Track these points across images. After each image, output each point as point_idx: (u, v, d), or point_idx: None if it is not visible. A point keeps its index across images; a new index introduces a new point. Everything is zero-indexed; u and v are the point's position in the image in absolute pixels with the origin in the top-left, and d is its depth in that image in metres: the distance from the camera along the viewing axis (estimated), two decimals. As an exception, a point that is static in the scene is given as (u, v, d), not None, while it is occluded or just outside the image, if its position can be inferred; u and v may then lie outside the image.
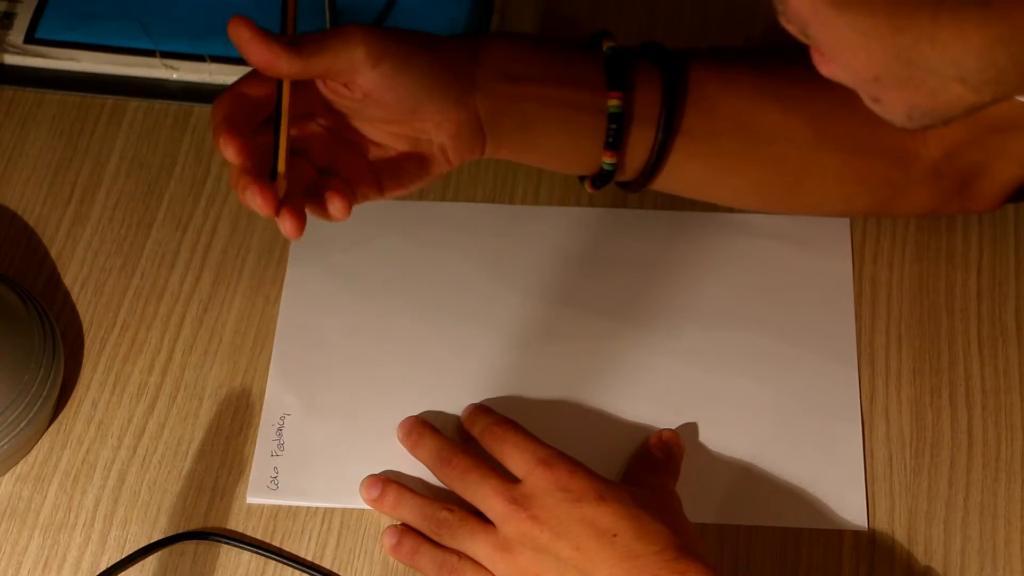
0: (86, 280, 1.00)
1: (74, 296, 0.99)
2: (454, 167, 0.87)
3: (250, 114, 0.82)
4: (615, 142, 0.89)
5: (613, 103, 0.89)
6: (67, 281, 0.99)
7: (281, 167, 0.80)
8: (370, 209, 1.02)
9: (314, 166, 0.84)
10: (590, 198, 1.02)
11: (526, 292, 0.98)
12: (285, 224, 0.80)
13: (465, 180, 1.04)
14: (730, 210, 1.01)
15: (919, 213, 0.99)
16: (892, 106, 0.70)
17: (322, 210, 0.83)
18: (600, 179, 0.92)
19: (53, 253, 1.01)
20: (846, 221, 1.01)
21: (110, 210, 1.03)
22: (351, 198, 0.83)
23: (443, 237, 1.01)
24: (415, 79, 0.83)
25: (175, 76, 1.09)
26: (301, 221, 0.80)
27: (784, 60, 0.92)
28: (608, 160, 0.90)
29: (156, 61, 1.09)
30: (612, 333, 0.97)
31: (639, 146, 0.90)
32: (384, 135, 0.86)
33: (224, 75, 1.08)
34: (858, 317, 0.97)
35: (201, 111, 1.08)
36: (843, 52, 0.68)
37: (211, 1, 1.11)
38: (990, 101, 0.68)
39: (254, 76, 0.83)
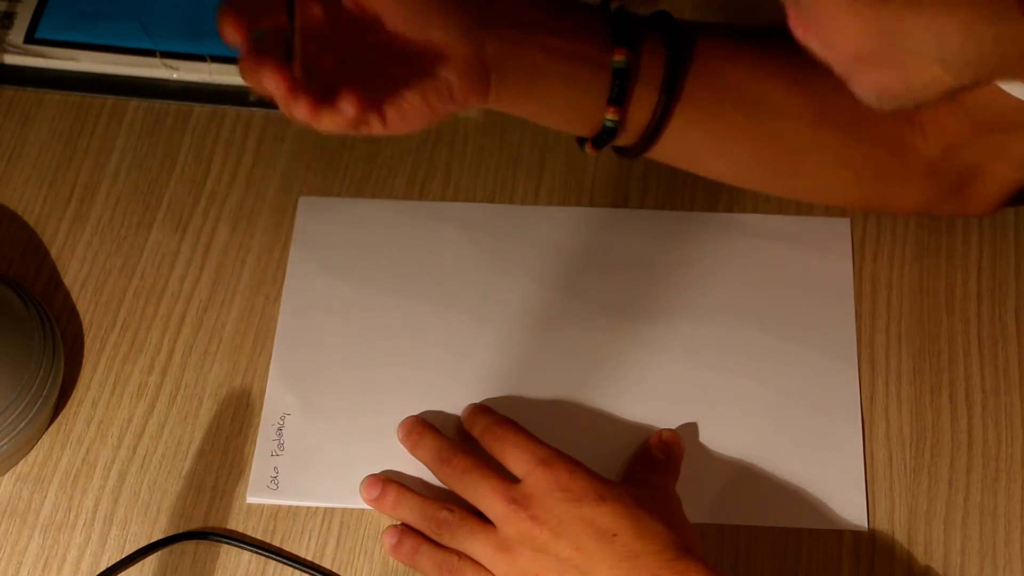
0: (86, 280, 0.99)
1: (74, 296, 0.99)
2: (459, 108, 0.86)
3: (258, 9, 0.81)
4: (619, 98, 0.89)
5: (618, 59, 0.88)
6: (67, 281, 0.99)
7: (297, 50, 0.79)
8: (370, 208, 1.02)
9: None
10: (590, 198, 1.02)
11: (526, 292, 0.98)
12: (301, 105, 0.79)
13: (465, 180, 1.04)
14: (730, 210, 1.01)
15: (914, 210, 0.99)
16: (864, 85, 0.70)
17: (333, 108, 0.81)
18: (601, 138, 0.91)
19: (53, 253, 1.01)
20: (846, 220, 1.01)
21: (110, 210, 1.03)
22: (363, 100, 0.82)
23: (443, 237, 1.01)
24: None
25: (175, 76, 1.09)
26: (317, 103, 0.80)
27: (789, 40, 0.92)
28: (610, 116, 0.89)
29: (156, 61, 1.09)
30: (612, 333, 0.97)
31: (641, 106, 0.90)
32: (391, 61, 0.85)
33: (224, 75, 1.08)
34: (858, 316, 0.97)
35: (201, 111, 1.08)
36: (829, 25, 0.68)
37: (211, 1, 1.11)
38: (968, 85, 0.68)
39: None
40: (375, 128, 0.84)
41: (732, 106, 0.91)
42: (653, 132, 0.91)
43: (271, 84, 0.79)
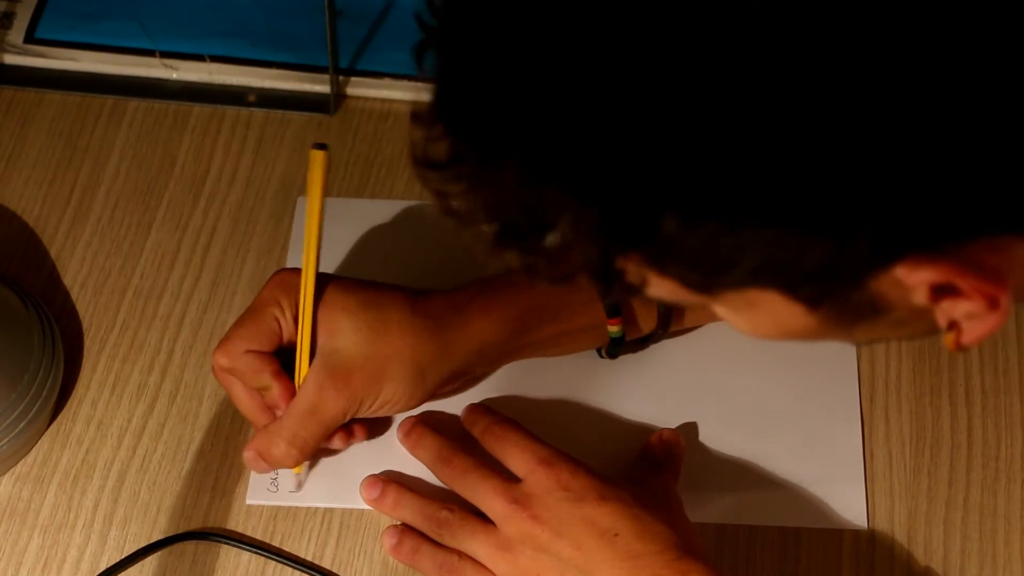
0: (86, 280, 0.99)
1: (74, 296, 0.99)
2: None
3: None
4: (619, 348, 0.93)
5: (614, 330, 0.91)
6: (67, 281, 0.99)
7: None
8: (370, 208, 1.02)
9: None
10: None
11: (526, 292, 0.98)
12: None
13: (465, 180, 1.04)
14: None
15: None
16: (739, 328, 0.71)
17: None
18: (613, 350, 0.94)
19: (53, 253, 1.01)
20: (846, 221, 1.01)
21: (110, 210, 1.03)
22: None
23: (443, 236, 1.01)
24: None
25: (175, 76, 1.09)
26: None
27: None
28: (614, 333, 0.93)
29: (156, 61, 1.09)
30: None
31: (645, 316, 0.93)
32: None
33: (224, 75, 1.08)
34: (858, 317, 0.97)
35: (201, 111, 1.07)
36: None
37: (211, 1, 1.11)
38: None
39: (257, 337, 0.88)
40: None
41: None
42: (663, 329, 0.94)
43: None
